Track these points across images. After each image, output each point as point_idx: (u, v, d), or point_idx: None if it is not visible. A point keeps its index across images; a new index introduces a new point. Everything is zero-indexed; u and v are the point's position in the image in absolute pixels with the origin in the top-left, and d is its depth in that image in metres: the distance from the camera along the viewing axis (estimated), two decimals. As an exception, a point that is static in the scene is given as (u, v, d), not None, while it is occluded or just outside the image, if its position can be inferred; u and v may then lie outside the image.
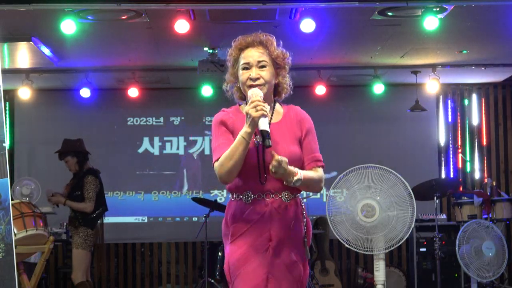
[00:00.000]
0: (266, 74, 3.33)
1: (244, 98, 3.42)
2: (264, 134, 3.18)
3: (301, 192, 3.48)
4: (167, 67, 9.28)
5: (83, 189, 7.26)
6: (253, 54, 3.35)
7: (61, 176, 8.31)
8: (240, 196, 3.35)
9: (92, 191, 7.26)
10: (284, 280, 3.30)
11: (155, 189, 10.39)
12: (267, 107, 3.26)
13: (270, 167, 3.18)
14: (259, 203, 3.31)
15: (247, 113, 3.20)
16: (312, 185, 3.37)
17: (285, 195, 3.33)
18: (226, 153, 3.24)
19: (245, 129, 3.21)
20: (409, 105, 9.81)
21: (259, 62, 3.34)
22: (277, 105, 3.47)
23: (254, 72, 3.32)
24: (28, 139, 10.35)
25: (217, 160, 3.30)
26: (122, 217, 10.21)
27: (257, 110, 3.17)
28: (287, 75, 3.45)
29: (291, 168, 3.23)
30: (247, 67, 3.34)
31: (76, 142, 7.50)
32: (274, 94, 3.45)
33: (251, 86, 3.31)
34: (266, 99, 3.31)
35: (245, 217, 3.31)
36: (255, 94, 3.25)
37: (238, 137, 3.23)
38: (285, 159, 3.17)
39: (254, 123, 3.19)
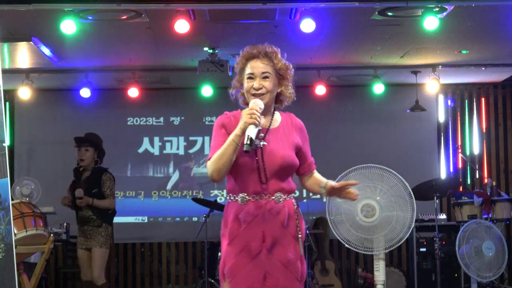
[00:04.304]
0: (268, 84, 3.54)
1: (247, 104, 3.59)
2: (248, 139, 3.36)
3: (296, 192, 3.68)
4: (167, 67, 9.28)
5: (102, 186, 7.20)
6: (258, 66, 3.54)
7: (61, 176, 8.31)
8: (236, 198, 3.52)
9: (112, 187, 7.26)
10: (281, 276, 3.43)
11: (155, 189, 10.38)
12: (263, 120, 3.49)
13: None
14: (253, 205, 3.48)
15: (241, 117, 3.40)
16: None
17: (278, 196, 3.49)
18: (217, 153, 3.44)
19: (236, 131, 3.42)
20: (409, 105, 9.82)
21: (262, 73, 3.54)
22: (276, 113, 3.64)
23: (257, 83, 3.53)
24: (28, 139, 10.34)
25: (210, 159, 3.48)
26: (122, 217, 10.18)
27: (251, 117, 3.37)
28: (290, 84, 3.63)
29: None
30: (252, 77, 3.54)
31: (101, 140, 7.43)
32: (276, 102, 3.64)
33: (254, 95, 3.52)
34: (267, 106, 3.54)
35: (240, 218, 3.48)
36: (256, 104, 3.46)
37: (229, 138, 3.41)
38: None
39: (244, 127, 3.38)
